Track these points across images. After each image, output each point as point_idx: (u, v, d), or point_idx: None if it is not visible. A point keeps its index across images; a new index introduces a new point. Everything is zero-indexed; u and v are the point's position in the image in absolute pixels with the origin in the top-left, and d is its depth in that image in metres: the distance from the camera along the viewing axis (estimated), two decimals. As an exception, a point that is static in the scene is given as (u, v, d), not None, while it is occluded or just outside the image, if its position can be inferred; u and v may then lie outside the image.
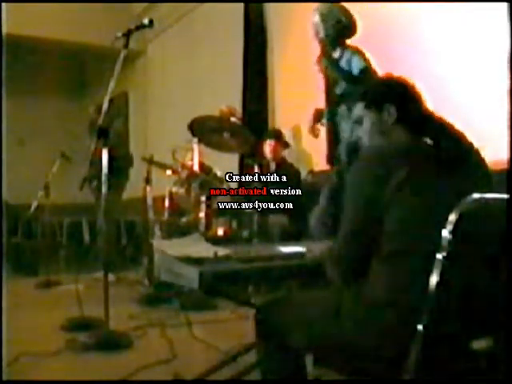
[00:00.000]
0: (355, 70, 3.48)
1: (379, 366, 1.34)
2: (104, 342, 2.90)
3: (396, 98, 1.55)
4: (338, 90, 3.60)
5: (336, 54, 3.63)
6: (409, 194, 1.35)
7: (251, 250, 1.93)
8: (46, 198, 5.43)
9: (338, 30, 3.60)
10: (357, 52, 3.54)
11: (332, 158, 3.66)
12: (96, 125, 3.20)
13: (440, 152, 1.43)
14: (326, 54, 3.59)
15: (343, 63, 3.56)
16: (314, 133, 3.85)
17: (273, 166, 4.69)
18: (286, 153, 5.04)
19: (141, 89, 8.48)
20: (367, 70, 3.44)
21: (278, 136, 4.74)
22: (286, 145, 4.82)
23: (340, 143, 3.56)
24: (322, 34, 3.63)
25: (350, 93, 3.46)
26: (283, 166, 4.70)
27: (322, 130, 3.87)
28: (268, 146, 4.67)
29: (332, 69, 3.54)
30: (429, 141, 1.47)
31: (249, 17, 6.04)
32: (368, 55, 3.57)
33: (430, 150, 1.45)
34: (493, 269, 1.32)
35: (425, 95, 1.58)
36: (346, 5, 3.73)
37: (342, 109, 3.54)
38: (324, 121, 3.75)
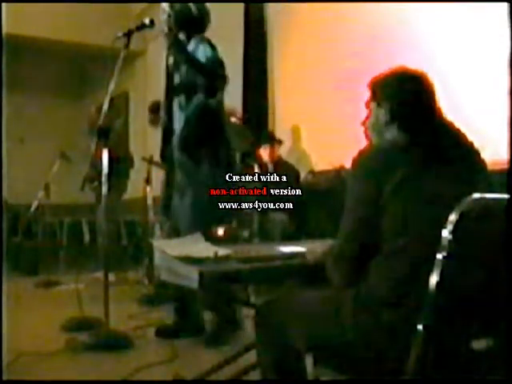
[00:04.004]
0: (202, 59, 3.10)
1: (379, 365, 1.34)
2: (104, 341, 2.90)
3: (392, 96, 1.52)
4: (177, 78, 3.22)
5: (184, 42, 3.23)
6: (407, 194, 1.35)
7: (251, 250, 1.93)
8: (47, 198, 5.43)
9: (187, 21, 3.20)
10: (204, 40, 3.17)
11: (164, 153, 3.30)
12: (96, 125, 3.19)
13: (439, 151, 1.43)
14: (170, 32, 3.16)
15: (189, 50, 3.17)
16: (153, 123, 3.50)
17: (271, 168, 4.70)
18: (285, 153, 5.05)
19: (141, 89, 8.47)
20: (214, 59, 3.08)
21: (272, 140, 4.77)
22: (280, 143, 4.83)
23: (174, 136, 3.22)
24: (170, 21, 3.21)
25: (191, 81, 3.12)
26: (282, 167, 4.71)
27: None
28: (264, 151, 4.69)
29: (177, 50, 3.12)
30: (428, 140, 1.46)
31: (249, 17, 6.04)
32: (215, 45, 3.17)
33: (428, 149, 1.44)
34: (493, 268, 1.32)
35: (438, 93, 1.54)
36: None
37: (180, 98, 3.20)
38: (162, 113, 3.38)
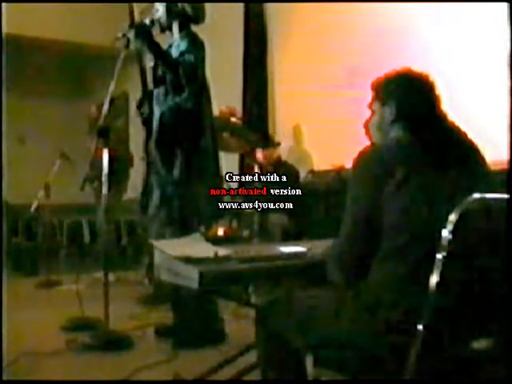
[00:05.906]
0: (176, 54, 3.08)
1: (379, 366, 1.34)
2: (104, 342, 2.90)
3: (399, 95, 1.52)
4: (160, 71, 3.22)
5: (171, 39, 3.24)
6: (408, 194, 1.35)
7: (251, 250, 1.93)
8: (47, 198, 5.43)
9: (178, 13, 3.18)
10: (186, 35, 3.11)
11: (147, 148, 3.23)
12: (97, 124, 3.19)
13: (440, 151, 1.43)
14: (136, 24, 3.20)
15: (174, 47, 3.16)
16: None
17: (270, 169, 4.70)
18: (286, 152, 5.05)
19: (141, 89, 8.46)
20: (185, 55, 3.02)
21: (266, 143, 4.75)
22: (277, 144, 4.83)
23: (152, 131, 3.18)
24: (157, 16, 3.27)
25: (165, 76, 3.13)
26: (282, 167, 4.71)
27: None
28: (259, 154, 4.70)
29: (143, 42, 3.11)
30: (430, 140, 1.46)
31: (249, 17, 6.04)
32: (200, 40, 3.13)
33: (430, 149, 1.44)
34: (492, 268, 1.32)
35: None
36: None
37: (160, 91, 3.21)
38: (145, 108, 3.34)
